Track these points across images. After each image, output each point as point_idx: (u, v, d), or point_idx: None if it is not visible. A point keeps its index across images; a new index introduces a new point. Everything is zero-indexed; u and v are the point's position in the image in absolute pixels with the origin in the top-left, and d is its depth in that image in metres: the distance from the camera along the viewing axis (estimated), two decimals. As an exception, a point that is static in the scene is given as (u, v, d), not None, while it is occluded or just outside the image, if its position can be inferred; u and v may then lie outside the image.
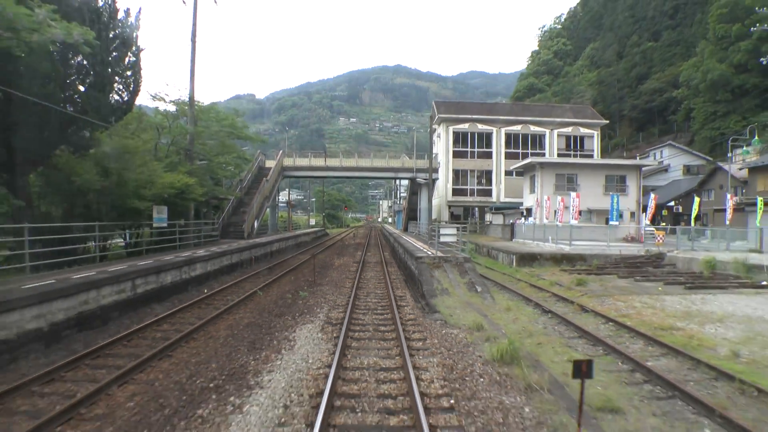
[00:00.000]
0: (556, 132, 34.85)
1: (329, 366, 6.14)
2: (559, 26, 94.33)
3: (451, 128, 34.37)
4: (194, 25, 17.27)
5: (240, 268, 16.47)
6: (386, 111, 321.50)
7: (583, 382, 3.85)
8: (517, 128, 34.53)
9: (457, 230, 14.61)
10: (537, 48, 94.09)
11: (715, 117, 51.94)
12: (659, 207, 41.71)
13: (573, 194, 21.38)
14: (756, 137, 26.06)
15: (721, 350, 7.31)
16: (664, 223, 35.60)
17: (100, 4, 12.42)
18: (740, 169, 29.98)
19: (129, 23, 12.89)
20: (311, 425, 4.38)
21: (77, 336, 7.67)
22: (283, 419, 4.68)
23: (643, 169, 45.66)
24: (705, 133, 53.04)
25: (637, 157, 46.51)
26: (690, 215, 34.94)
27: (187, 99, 17.71)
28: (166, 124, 17.82)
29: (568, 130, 35.00)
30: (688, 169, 44.45)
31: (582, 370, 3.72)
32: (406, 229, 38.65)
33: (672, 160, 44.20)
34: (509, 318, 9.34)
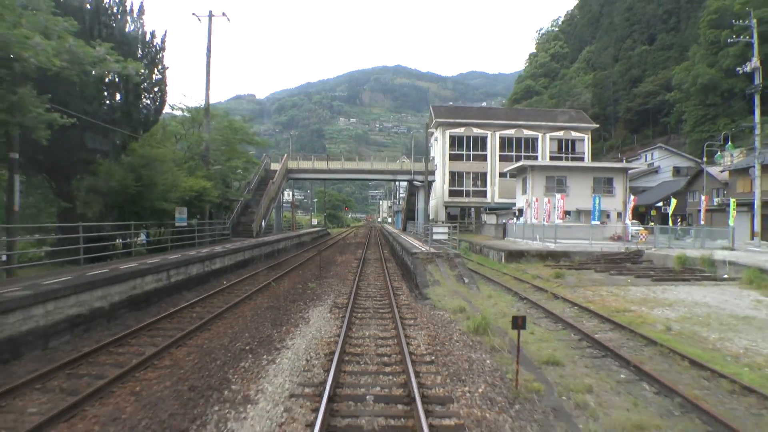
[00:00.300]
0: (548, 135, 36.51)
1: (338, 336, 7.77)
2: (557, 29, 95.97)
3: (447, 132, 36.04)
4: (209, 41, 18.91)
5: (252, 263, 18.12)
6: (386, 111, 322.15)
7: (519, 333, 5.47)
8: (510, 132, 36.20)
9: (449, 229, 16.24)
10: (534, 50, 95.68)
11: (705, 120, 53.59)
12: (649, 207, 43.48)
13: (558, 196, 23.04)
14: (730, 143, 27.64)
15: (659, 326, 8.95)
16: (653, 223, 37.24)
17: (130, 28, 14.08)
18: (722, 171, 31.63)
19: (156, 45, 14.53)
20: (328, 371, 6.00)
21: (129, 314, 9.31)
22: (306, 367, 6.32)
23: (635, 170, 47.38)
24: (696, 135, 54.64)
25: (624, 160, 48.11)
26: (677, 215, 36.67)
27: (200, 106, 19.37)
28: (183, 132, 19.44)
29: (560, 133, 36.66)
30: (677, 171, 46.08)
31: (518, 323, 5.34)
32: (404, 229, 40.30)
33: (662, 162, 45.83)
34: (489, 303, 10.96)
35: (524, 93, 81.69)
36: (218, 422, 4.66)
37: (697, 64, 55.48)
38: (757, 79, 26.49)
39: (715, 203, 31.89)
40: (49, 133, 8.63)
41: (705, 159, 31.91)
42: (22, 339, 6.64)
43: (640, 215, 42.85)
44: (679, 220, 35.97)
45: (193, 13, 18.97)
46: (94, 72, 9.00)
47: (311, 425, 4.49)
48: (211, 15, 19.01)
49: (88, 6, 12.56)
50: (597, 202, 22.53)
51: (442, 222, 27.66)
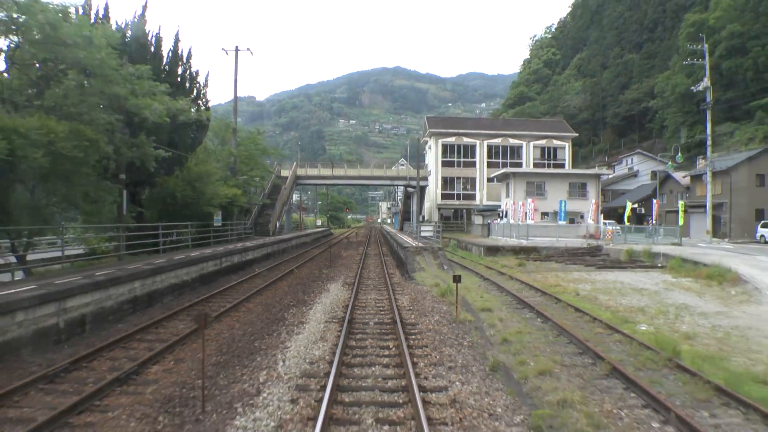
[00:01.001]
0: (532, 144, 40.55)
1: (350, 298, 11.72)
2: (550, 36, 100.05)
3: (440, 141, 40.08)
4: (236, 72, 22.92)
5: (274, 256, 22.09)
6: (386, 113, 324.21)
7: (457, 285, 9.43)
8: (497, 141, 40.25)
9: (434, 228, 20.24)
10: (528, 57, 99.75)
11: (683, 126, 57.69)
12: (624, 208, 47.45)
13: (529, 200, 27.00)
14: (679, 154, 31.61)
15: (572, 294, 12.89)
16: (628, 222, 41.23)
17: (180, 71, 18.08)
18: (684, 177, 35.60)
19: (199, 83, 18.53)
20: (346, 311, 9.94)
21: (201, 287, 13.28)
22: (332, 311, 10.29)
23: (617, 174, 51.34)
24: (675, 141, 58.66)
25: (596, 167, 52.05)
26: (648, 216, 40.66)
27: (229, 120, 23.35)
28: (213, 148, 23.44)
29: (543, 142, 40.70)
30: (654, 175, 50.05)
31: (457, 279, 9.29)
32: (401, 229, 44.23)
33: (640, 166, 49.78)
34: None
35: (517, 99, 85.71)
36: (288, 332, 8.60)
37: (676, 73, 59.54)
38: (709, 97, 30.53)
39: (679, 205, 35.80)
40: (155, 163, 12.61)
41: (670, 164, 35.90)
42: (142, 297, 10.62)
43: (620, 216, 46.83)
44: (650, 220, 39.95)
45: (223, 48, 22.96)
46: (180, 118, 12.94)
47: (339, 334, 8.42)
48: (237, 50, 23.01)
49: (152, 49, 16.55)
50: (563, 205, 26.51)
51: (435, 222, 31.59)
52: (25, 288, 7.60)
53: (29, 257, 11.16)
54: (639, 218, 43.88)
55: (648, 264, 20.32)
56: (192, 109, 15.98)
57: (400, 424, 4.69)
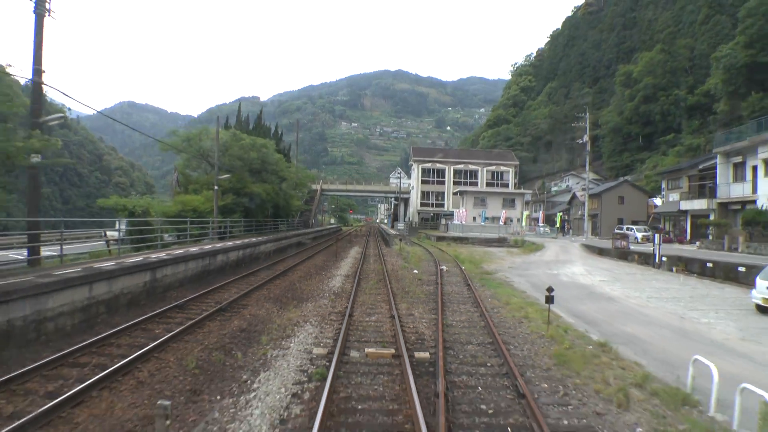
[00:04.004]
0: (485, 168, 58.86)
1: (364, 250, 30.03)
2: (528, 65, 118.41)
3: (420, 165, 58.41)
4: (297, 138, 41.28)
5: (317, 239, 40.37)
6: (386, 116, 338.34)
7: (400, 246, 27.73)
8: (460, 166, 58.55)
9: (405, 225, 38.59)
10: (509, 82, 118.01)
11: (614, 153, 76.18)
12: (556, 215, 65.81)
13: (463, 209, 45.32)
14: (560, 184, 49.86)
15: (455, 252, 31.24)
16: (558, 226, 59.79)
17: (272, 129, 36.55)
18: (582, 196, 53.90)
19: (279, 132, 37.00)
20: (363, 252, 28.23)
21: (297, 247, 31.65)
22: (356, 254, 28.70)
23: (557, 189, 69.65)
24: (609, 164, 77.36)
25: (542, 182, 70.12)
26: (565, 221, 59.13)
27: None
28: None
29: (493, 167, 59.02)
30: (584, 190, 68.30)
31: (401, 240, 27.55)
32: (392, 227, 62.58)
33: (576, 184, 68.05)
34: (411, 250, 33.23)
35: (496, 120, 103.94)
36: (323, 281, 26.92)
37: (610, 111, 78.12)
38: (588, 147, 48.64)
39: (579, 215, 54.23)
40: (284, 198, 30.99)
41: (577, 184, 54.11)
42: (239, 260, 28.98)
43: (553, 221, 65.31)
44: (566, 224, 58.46)
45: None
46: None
47: (360, 257, 26.65)
48: (295, 138, 41.35)
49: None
50: (484, 213, 44.80)
51: (407, 221, 49.42)
52: (232, 243, 25.84)
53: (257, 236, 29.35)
54: (564, 224, 62.23)
55: (516, 245, 38.62)
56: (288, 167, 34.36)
57: (380, 271, 23.00)
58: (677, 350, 8.52)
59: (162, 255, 14.31)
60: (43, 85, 11.98)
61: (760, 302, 12.17)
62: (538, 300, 13.25)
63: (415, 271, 20.19)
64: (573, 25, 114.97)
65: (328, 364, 7.02)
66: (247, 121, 36.48)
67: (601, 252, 30.95)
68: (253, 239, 24.55)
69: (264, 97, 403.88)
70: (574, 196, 56.34)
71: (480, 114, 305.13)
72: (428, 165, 58.17)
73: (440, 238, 42.01)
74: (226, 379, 6.68)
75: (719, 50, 50.11)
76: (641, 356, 8.13)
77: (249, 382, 6.52)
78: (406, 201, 56.33)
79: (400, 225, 39.32)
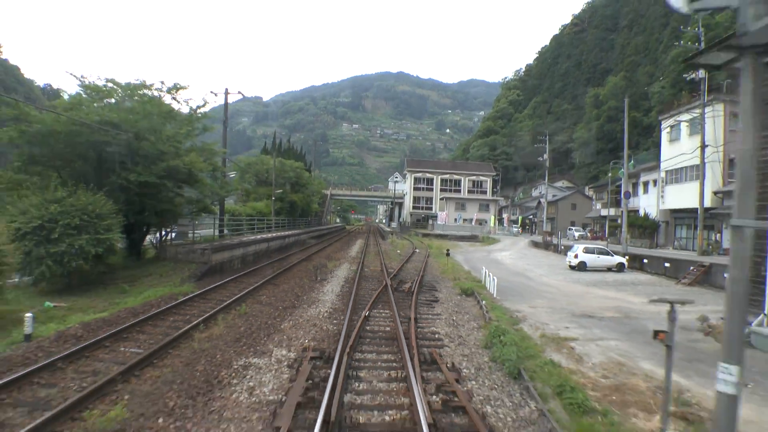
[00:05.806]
0: (467, 178, 71.75)
1: (366, 242, 42.99)
2: (517, 79, 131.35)
3: (413, 175, 71.33)
4: (314, 157, 54.36)
5: (328, 234, 53.26)
6: (387, 118, 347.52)
7: (393, 240, 40.63)
8: (447, 176, 71.43)
9: (397, 224, 51.57)
10: (499, 95, 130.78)
11: (585, 165, 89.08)
12: (524, 219, 78.82)
13: (444, 213, 58.27)
14: (522, 193, 62.73)
15: (432, 245, 44.17)
16: (519, 227, 72.83)
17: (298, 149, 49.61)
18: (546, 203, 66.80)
19: (304, 155, 50.11)
20: (365, 244, 41.18)
21: (317, 239, 44.66)
22: (361, 245, 41.71)
23: (531, 196, 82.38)
24: (580, 174, 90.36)
25: (515, 189, 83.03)
26: (534, 223, 72.07)
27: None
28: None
29: (474, 177, 71.92)
30: (554, 196, 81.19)
31: (393, 234, 40.43)
32: (389, 226, 75.44)
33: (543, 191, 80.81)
34: (400, 242, 46.19)
35: (486, 131, 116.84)
36: (352, 246, 39.88)
37: (582, 127, 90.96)
38: (547, 164, 61.48)
39: (518, 219, 67.26)
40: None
41: (544, 192, 66.98)
42: (295, 242, 41.97)
43: (526, 223, 78.38)
44: (534, 225, 71.37)
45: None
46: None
47: (364, 247, 39.56)
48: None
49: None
50: (460, 216, 57.73)
51: (400, 221, 62.04)
52: (287, 233, 38.77)
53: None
54: (531, 224, 75.14)
55: (481, 241, 51.54)
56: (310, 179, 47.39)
57: (377, 252, 35.90)
58: (498, 273, 21.40)
59: (257, 237, 27.18)
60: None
61: (568, 264, 25.17)
62: (460, 264, 26.13)
63: (398, 252, 33.02)
64: (560, 43, 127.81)
65: (356, 273, 19.92)
66: (280, 146, 49.45)
67: (536, 245, 43.86)
68: (296, 231, 37.48)
69: (266, 97, 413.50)
70: (539, 203, 69.23)
71: (479, 117, 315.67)
72: (419, 174, 70.88)
73: (425, 235, 54.91)
74: (322, 275, 19.60)
75: (653, 87, 63.04)
76: (478, 273, 20.98)
77: (330, 276, 19.43)
78: (401, 204, 69.54)
79: (394, 224, 52.16)
